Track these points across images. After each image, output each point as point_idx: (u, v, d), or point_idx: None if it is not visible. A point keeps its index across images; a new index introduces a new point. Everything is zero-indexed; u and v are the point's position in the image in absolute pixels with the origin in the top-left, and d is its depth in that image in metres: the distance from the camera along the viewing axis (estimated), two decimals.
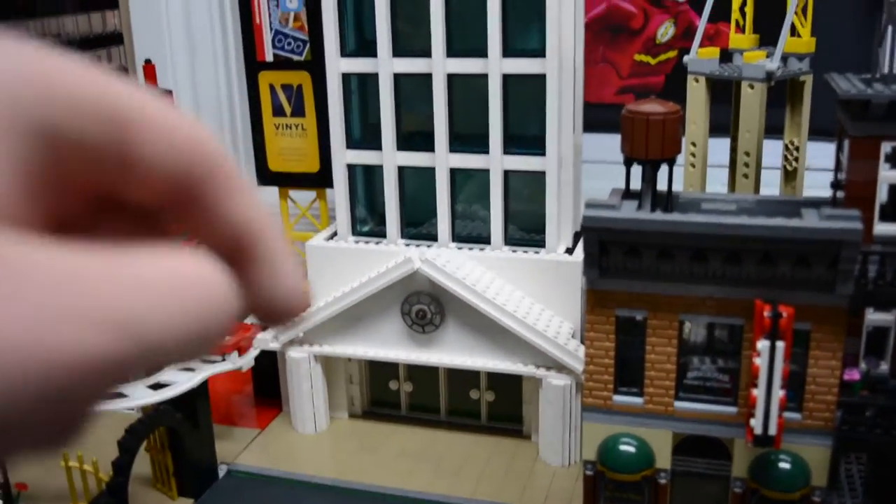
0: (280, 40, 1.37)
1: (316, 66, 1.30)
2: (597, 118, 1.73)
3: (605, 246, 1.40)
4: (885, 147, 1.39)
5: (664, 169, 1.64)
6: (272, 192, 1.55)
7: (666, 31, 1.71)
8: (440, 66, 1.26)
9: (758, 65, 1.33)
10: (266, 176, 1.43)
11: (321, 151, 1.43)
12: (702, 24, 1.16)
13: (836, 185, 1.75)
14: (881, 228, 1.45)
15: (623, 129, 1.32)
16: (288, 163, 1.47)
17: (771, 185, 2.22)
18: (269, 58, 1.37)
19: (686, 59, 1.27)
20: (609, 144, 1.81)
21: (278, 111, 1.42)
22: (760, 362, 1.57)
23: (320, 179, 1.45)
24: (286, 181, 1.46)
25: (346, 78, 1.21)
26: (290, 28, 1.35)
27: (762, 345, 1.54)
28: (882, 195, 1.71)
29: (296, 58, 1.36)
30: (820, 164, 1.89)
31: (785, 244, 1.31)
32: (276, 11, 1.34)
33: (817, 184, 1.85)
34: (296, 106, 1.42)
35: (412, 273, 1.65)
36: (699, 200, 1.44)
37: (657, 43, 1.69)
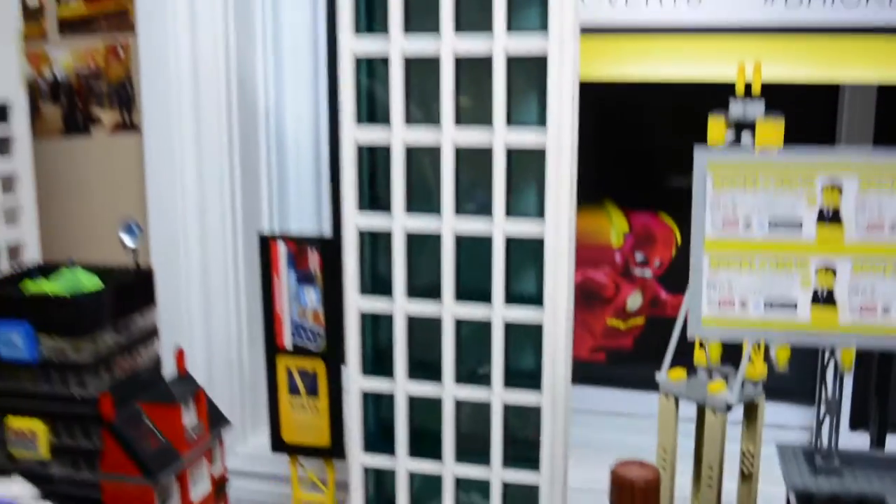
0: (298, 331, 1.51)
1: (330, 356, 1.44)
2: (573, 372, 1.89)
3: None
4: None
5: None
6: (284, 457, 1.64)
7: (634, 300, 1.92)
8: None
9: (719, 396, 1.45)
10: (280, 445, 1.53)
11: (332, 428, 1.52)
12: (671, 345, 1.31)
13: None
14: None
15: (612, 486, 1.40)
16: (301, 435, 1.56)
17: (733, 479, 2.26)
18: (288, 346, 1.50)
19: (658, 377, 1.38)
20: (580, 395, 1.98)
21: (294, 390, 1.53)
22: None
23: (330, 452, 1.53)
24: (298, 451, 1.55)
25: (366, 397, 1.34)
26: (308, 322, 1.50)
27: None
28: None
29: (312, 347, 1.49)
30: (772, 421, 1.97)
31: None
32: (297, 306, 1.50)
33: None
34: (310, 388, 1.52)
35: None
36: None
37: (626, 310, 1.89)
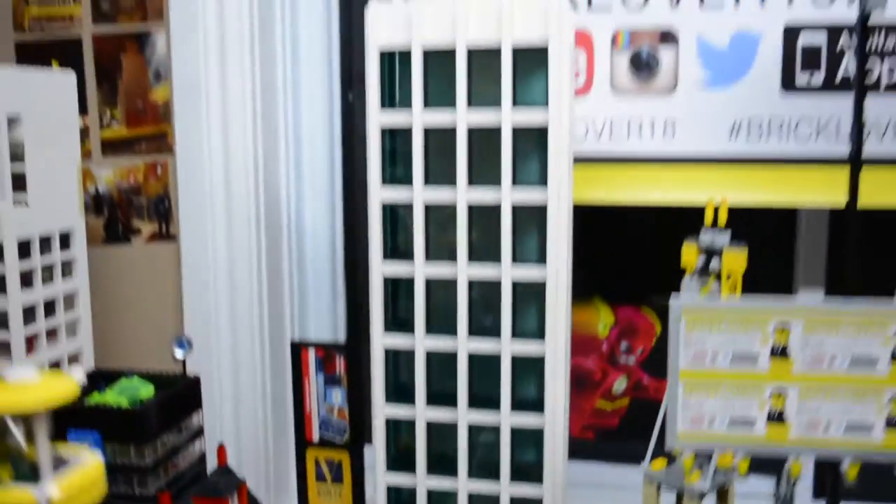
0: (325, 426, 1.67)
1: (354, 448, 1.59)
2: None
3: None
4: None
5: None
6: None
7: (620, 384, 2.11)
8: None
9: (694, 486, 1.60)
10: None
11: None
12: (652, 441, 1.44)
13: None
14: None
15: None
16: None
17: None
18: (316, 439, 1.67)
19: (643, 468, 1.51)
20: (572, 469, 2.18)
21: (320, 478, 1.68)
22: None
23: None
24: None
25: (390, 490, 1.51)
26: (334, 418, 1.67)
27: None
28: None
29: (337, 440, 1.65)
30: None
31: None
32: (324, 404, 1.67)
33: None
34: (335, 475, 1.67)
35: None
36: None
37: (613, 393, 2.08)
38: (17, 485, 0.80)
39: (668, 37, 1.89)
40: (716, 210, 1.72)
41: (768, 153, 1.89)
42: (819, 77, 1.86)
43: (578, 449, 2.39)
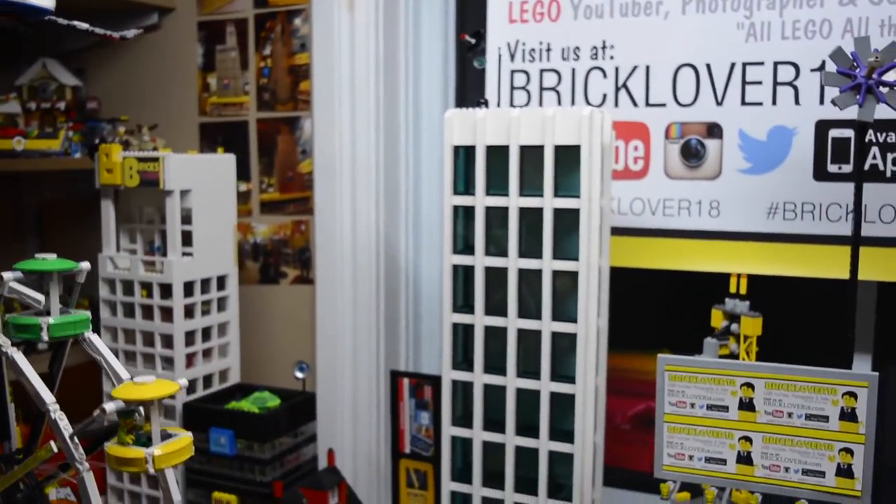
0: (415, 442, 2.02)
1: (437, 461, 1.91)
2: (633, 479, 2.21)
3: None
4: None
5: None
6: None
7: None
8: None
9: None
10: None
11: None
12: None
13: None
14: None
15: None
16: None
17: None
18: (408, 451, 2.01)
19: (671, 500, 1.65)
20: (638, 500, 2.42)
21: (410, 484, 2.02)
22: None
23: None
24: None
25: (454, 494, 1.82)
26: (422, 435, 2.03)
27: None
28: None
29: (424, 454, 1.98)
30: None
31: None
32: (415, 424, 2.03)
33: None
34: (421, 483, 2.01)
35: None
36: None
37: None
38: (135, 447, 1.27)
39: (714, 129, 2.19)
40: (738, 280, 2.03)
41: (801, 231, 2.13)
42: (847, 167, 2.10)
43: (646, 481, 2.71)
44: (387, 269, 2.62)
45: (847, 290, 1.82)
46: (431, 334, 2.67)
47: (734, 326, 2.01)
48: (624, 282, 2.16)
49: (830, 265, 2.14)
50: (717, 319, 2.02)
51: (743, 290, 1.98)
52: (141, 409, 1.29)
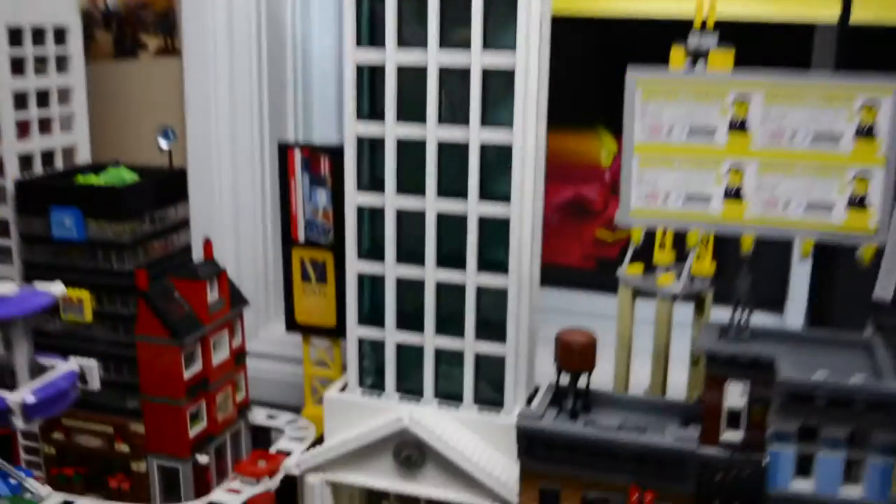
0: (311, 227, 1.70)
1: (337, 249, 1.64)
2: (564, 277, 2.05)
3: (531, 442, 1.67)
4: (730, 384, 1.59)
5: None
6: (297, 340, 1.88)
7: None
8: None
9: (666, 287, 1.59)
10: (293, 325, 1.75)
11: (337, 312, 1.73)
12: (631, 246, 1.43)
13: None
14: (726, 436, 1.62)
15: (556, 348, 1.59)
16: (311, 317, 1.76)
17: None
18: (302, 239, 1.70)
19: (619, 272, 1.53)
20: (571, 299, 2.18)
21: (305, 278, 1.72)
22: None
23: (336, 332, 1.74)
24: (309, 331, 1.76)
25: (361, 279, 1.56)
26: (319, 219, 1.70)
27: None
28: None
29: (322, 241, 1.69)
30: None
31: (646, 456, 1.52)
32: (309, 206, 1.70)
33: None
34: (319, 275, 1.72)
35: (403, 427, 1.87)
36: (613, 401, 1.66)
37: (614, 224, 2.04)
38: None
39: None
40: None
41: None
42: None
43: (578, 279, 2.39)
44: (269, 30, 2.15)
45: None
46: (325, 100, 2.25)
47: (699, 66, 1.64)
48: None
49: (797, 3, 1.81)
50: (678, 60, 1.64)
51: (710, 23, 1.62)
52: None
